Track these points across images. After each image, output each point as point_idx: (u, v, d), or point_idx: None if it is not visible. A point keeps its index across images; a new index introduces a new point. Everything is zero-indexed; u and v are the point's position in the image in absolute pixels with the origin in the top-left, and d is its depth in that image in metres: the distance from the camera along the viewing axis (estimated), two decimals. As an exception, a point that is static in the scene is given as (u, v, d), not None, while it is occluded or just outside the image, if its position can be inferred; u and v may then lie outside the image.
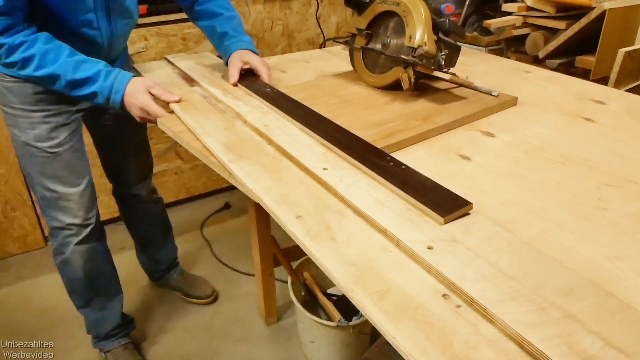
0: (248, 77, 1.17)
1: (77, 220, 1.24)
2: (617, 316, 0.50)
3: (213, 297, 1.74)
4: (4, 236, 1.95)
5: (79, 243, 1.27)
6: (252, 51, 1.22)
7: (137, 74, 1.33)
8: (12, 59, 0.97)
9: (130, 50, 1.84)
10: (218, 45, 1.26)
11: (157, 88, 1.04)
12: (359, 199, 0.69)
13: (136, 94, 1.01)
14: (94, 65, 1.01)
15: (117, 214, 1.67)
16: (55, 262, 1.31)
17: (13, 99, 1.10)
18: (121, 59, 1.27)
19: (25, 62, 0.98)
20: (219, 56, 1.42)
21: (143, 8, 1.81)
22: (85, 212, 1.24)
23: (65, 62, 0.98)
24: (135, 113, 1.03)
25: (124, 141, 1.40)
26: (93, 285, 1.37)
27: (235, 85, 1.15)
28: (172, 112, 1.04)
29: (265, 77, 1.17)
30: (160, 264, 1.72)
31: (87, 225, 1.27)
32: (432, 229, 0.63)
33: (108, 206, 1.98)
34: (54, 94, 1.10)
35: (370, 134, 0.90)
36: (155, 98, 1.03)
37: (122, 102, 1.02)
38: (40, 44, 0.97)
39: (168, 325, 1.66)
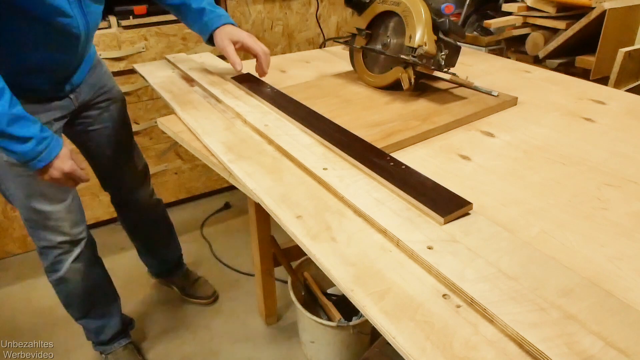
0: (249, 77, 1.17)
1: (67, 238, 1.20)
2: (617, 316, 0.50)
3: (213, 299, 1.74)
4: (4, 236, 1.95)
5: (75, 261, 1.24)
6: (232, 25, 1.18)
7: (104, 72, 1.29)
8: None
9: (131, 50, 1.84)
10: (194, 22, 1.20)
11: (75, 155, 1.03)
12: (359, 199, 0.69)
13: (65, 159, 0.99)
14: (30, 127, 0.93)
15: (116, 214, 1.67)
16: (49, 280, 1.28)
17: None
18: (90, 58, 1.20)
19: None
20: (219, 56, 1.42)
21: (143, 8, 1.81)
22: (74, 228, 1.21)
23: (3, 111, 0.89)
24: (55, 175, 0.99)
25: (112, 145, 1.34)
26: (91, 298, 1.35)
27: (240, 70, 1.15)
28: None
29: (261, 55, 1.14)
30: (168, 262, 1.72)
31: (79, 241, 1.24)
32: (432, 229, 0.63)
33: (108, 205, 1.98)
34: (31, 105, 1.04)
35: (370, 134, 0.90)
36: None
37: (40, 168, 0.98)
38: None
39: (168, 325, 1.66)
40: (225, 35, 1.15)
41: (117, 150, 1.37)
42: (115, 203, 1.53)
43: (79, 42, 1.05)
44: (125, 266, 1.86)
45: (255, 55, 1.16)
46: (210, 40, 1.18)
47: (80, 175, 1.03)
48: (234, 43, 1.15)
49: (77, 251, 1.24)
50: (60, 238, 1.19)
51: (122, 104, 1.35)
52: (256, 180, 0.76)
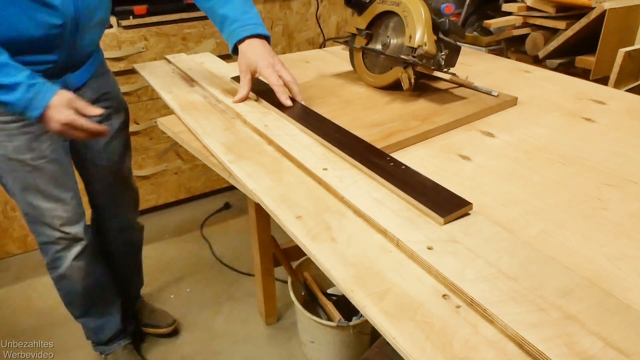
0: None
1: (64, 235, 1.18)
2: (617, 316, 0.50)
3: (174, 327, 1.61)
4: (4, 236, 1.95)
5: (76, 259, 1.22)
6: (262, 36, 1.06)
7: (113, 84, 1.25)
8: None
9: (131, 50, 1.84)
10: (221, 29, 1.09)
11: (78, 102, 0.95)
12: (359, 199, 0.69)
13: (60, 109, 0.93)
14: (17, 73, 0.90)
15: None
16: (51, 276, 1.27)
17: None
18: (95, 62, 1.17)
19: None
20: (219, 56, 1.42)
21: (143, 8, 1.81)
22: (71, 227, 1.18)
23: None
24: (57, 127, 0.94)
25: (109, 159, 1.28)
26: (91, 297, 1.34)
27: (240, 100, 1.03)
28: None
29: (275, 87, 0.99)
30: (129, 295, 1.59)
31: (78, 239, 1.21)
32: (432, 229, 0.63)
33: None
34: None
35: (370, 134, 0.90)
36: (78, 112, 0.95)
37: (39, 117, 0.93)
38: None
39: (168, 325, 1.66)
40: (246, 59, 1.03)
41: (114, 166, 1.31)
42: (97, 222, 1.42)
43: (63, 38, 0.99)
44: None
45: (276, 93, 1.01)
46: (236, 52, 1.06)
47: (84, 124, 0.94)
48: (253, 72, 1.03)
49: (77, 249, 1.22)
50: (57, 234, 1.18)
51: (125, 115, 1.30)
52: (256, 181, 0.76)
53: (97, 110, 0.97)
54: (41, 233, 1.18)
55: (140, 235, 1.53)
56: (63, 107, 0.93)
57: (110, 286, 1.42)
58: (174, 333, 1.63)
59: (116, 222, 1.42)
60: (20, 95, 0.91)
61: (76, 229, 1.20)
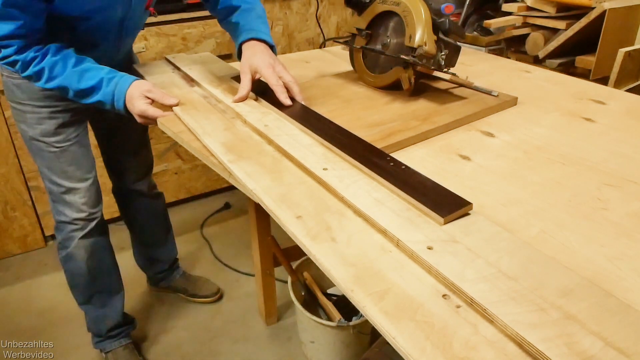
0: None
1: (82, 215, 1.26)
2: (617, 316, 0.50)
3: (219, 295, 1.75)
4: (4, 236, 1.95)
5: (83, 237, 1.29)
6: (264, 42, 1.09)
7: (137, 73, 1.32)
8: (27, 73, 1.00)
9: (130, 50, 1.85)
10: (233, 38, 1.17)
11: (154, 92, 1.01)
12: (359, 199, 0.69)
13: (132, 100, 1.00)
14: (96, 74, 1.01)
15: (117, 214, 1.67)
16: (59, 257, 1.33)
17: (21, 95, 1.13)
18: (126, 57, 1.30)
19: (37, 75, 1.00)
20: (219, 56, 1.42)
21: (143, 8, 1.81)
22: (90, 207, 1.27)
23: (70, 72, 1.00)
24: (137, 119, 1.02)
25: (126, 136, 1.41)
26: (95, 281, 1.37)
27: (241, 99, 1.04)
28: (172, 110, 1.04)
29: (274, 87, 1.01)
30: (162, 263, 1.71)
31: (92, 219, 1.29)
32: (432, 229, 0.63)
33: (108, 206, 1.98)
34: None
35: (370, 134, 0.90)
36: (154, 101, 1.02)
37: (125, 107, 1.02)
38: (49, 57, 0.98)
39: (168, 325, 1.66)
40: (247, 60, 1.06)
41: (131, 142, 1.43)
42: (116, 192, 1.57)
43: (103, 57, 1.08)
44: (126, 266, 1.85)
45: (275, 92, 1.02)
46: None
47: (155, 114, 0.99)
48: (254, 72, 1.05)
49: (87, 229, 1.28)
50: (75, 214, 1.25)
51: None
52: (256, 181, 0.76)
53: (173, 101, 1.02)
54: (61, 212, 1.25)
55: (158, 201, 1.62)
56: (136, 98, 1.00)
57: (115, 275, 1.45)
58: (219, 299, 1.76)
59: (134, 189, 1.52)
60: (104, 90, 1.01)
61: (94, 210, 1.28)
